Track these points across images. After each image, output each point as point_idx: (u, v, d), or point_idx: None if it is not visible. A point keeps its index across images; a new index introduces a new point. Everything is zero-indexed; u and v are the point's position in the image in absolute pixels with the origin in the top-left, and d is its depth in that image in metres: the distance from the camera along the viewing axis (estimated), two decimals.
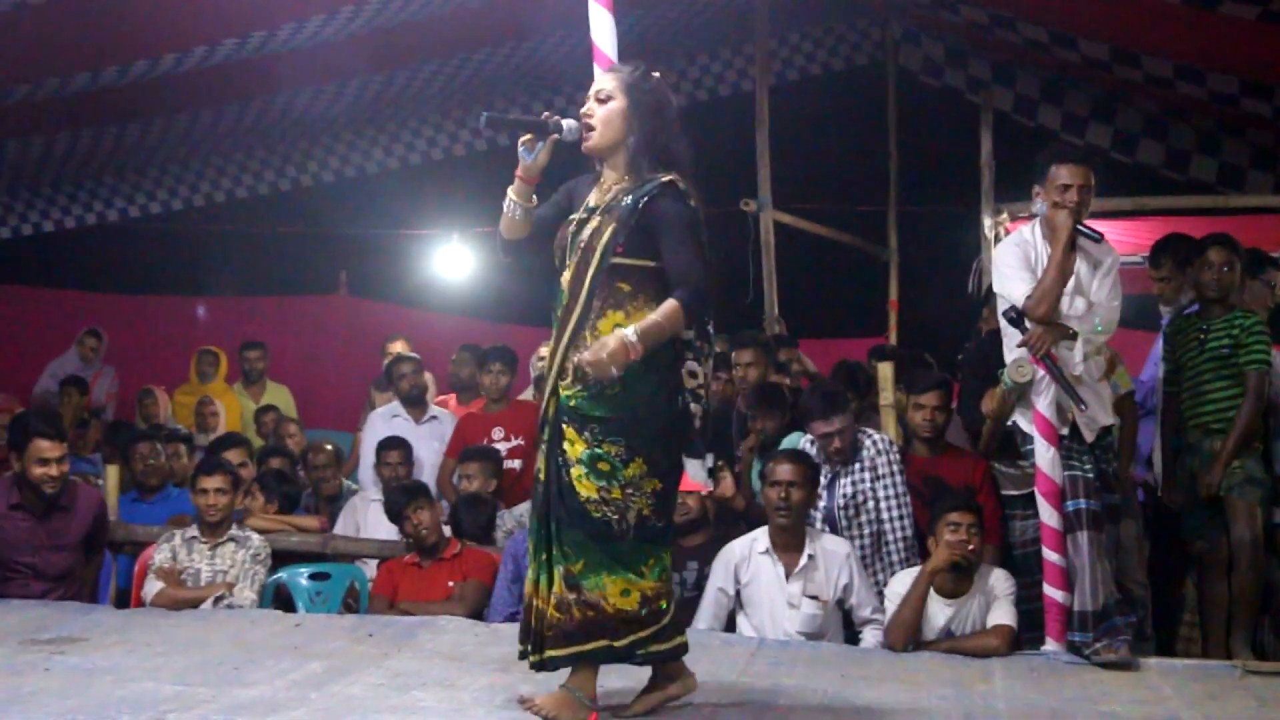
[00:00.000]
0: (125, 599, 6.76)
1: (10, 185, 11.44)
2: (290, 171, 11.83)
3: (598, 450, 3.99)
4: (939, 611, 5.55)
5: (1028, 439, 5.53)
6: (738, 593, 5.80)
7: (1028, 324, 5.34)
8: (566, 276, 4.10)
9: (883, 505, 6.07)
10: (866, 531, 6.06)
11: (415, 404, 8.23)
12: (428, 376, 8.63)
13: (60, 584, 6.40)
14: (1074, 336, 5.31)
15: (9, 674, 4.65)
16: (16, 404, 9.11)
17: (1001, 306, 5.54)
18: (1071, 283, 5.35)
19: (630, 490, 4.01)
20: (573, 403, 4.03)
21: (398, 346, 9.53)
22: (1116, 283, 5.41)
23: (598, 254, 4.04)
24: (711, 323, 4.17)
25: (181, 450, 8.11)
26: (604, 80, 4.19)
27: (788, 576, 5.71)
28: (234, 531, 6.46)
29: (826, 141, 11.62)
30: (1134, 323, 7.96)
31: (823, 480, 6.08)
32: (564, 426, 4.04)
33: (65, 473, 6.43)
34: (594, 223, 4.09)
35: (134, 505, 7.43)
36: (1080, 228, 5.34)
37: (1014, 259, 5.46)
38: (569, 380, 4.04)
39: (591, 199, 4.19)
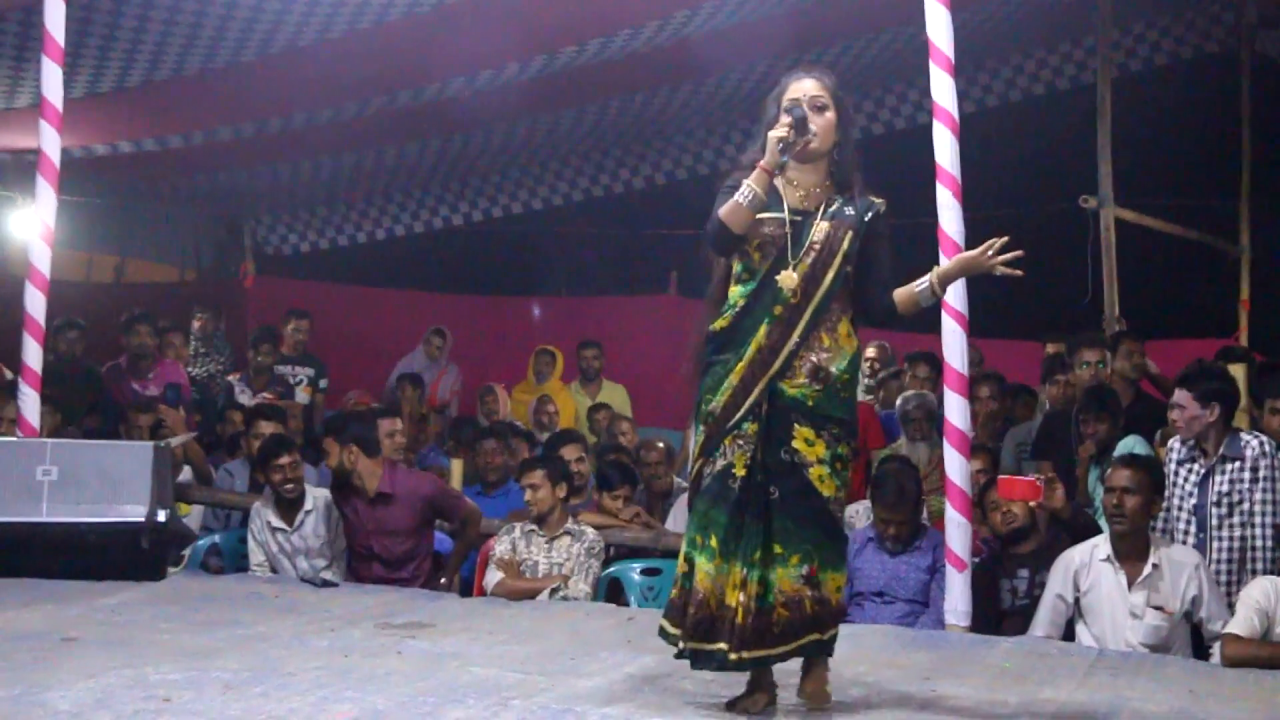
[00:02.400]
0: (468, 587, 7.04)
1: (367, 194, 12.12)
2: (623, 174, 12.06)
3: (838, 451, 4.12)
4: None
5: None
6: (1076, 600, 5.61)
7: None
8: (791, 275, 4.11)
9: (1258, 509, 5.72)
10: (1236, 534, 5.73)
11: None
12: None
13: (399, 568, 6.74)
14: None
15: (366, 655, 4.90)
16: (369, 398, 9.59)
17: None
18: None
19: (843, 491, 4.18)
20: (810, 402, 4.09)
21: None
22: None
23: (839, 258, 4.11)
24: None
25: (523, 447, 8.39)
26: (817, 89, 4.18)
27: (1130, 585, 5.50)
28: (570, 525, 6.63)
29: (1172, 134, 11.14)
30: None
31: (1194, 476, 5.83)
32: (795, 426, 4.09)
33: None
34: (823, 226, 4.13)
35: (477, 498, 7.65)
36: None
37: None
38: (803, 380, 4.09)
39: (788, 199, 4.18)
